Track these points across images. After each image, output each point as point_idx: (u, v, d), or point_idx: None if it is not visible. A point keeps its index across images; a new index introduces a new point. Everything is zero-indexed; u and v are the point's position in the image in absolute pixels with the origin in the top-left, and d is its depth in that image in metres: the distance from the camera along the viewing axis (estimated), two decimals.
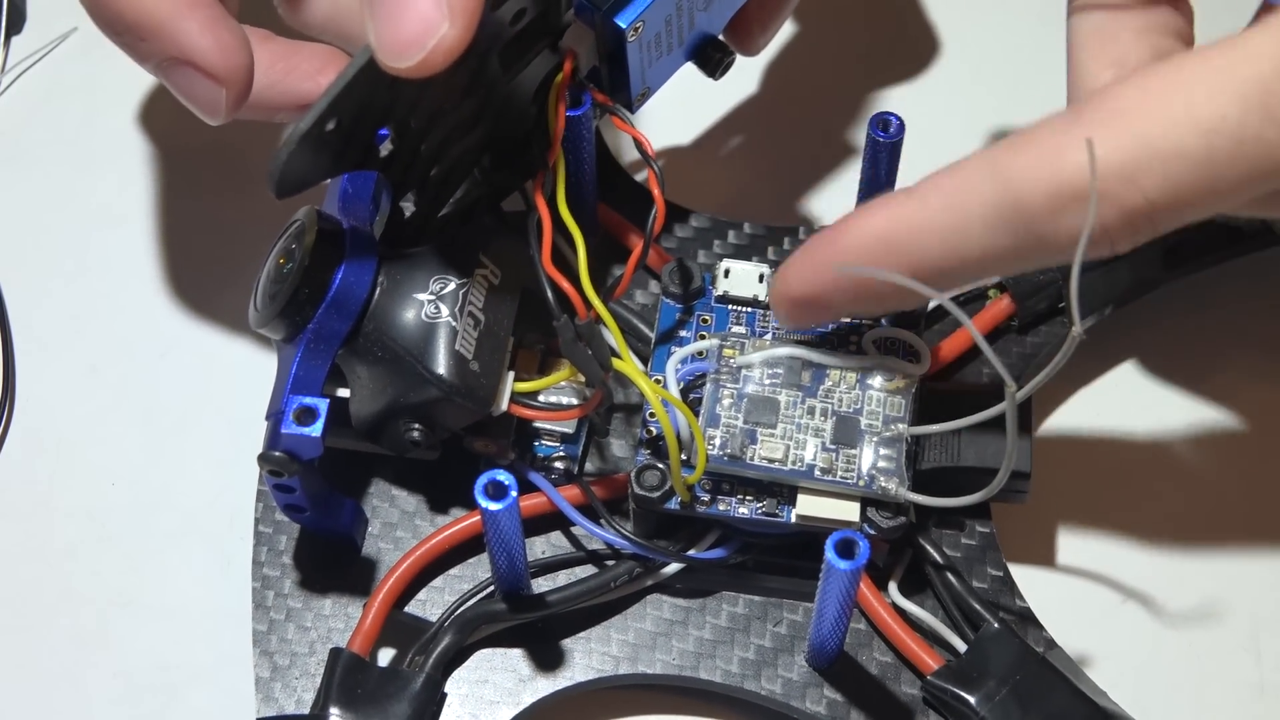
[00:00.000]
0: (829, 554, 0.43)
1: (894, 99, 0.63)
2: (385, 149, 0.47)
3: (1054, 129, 0.41)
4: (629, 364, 0.48)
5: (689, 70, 0.54)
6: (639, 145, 0.50)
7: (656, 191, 0.50)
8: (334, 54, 0.52)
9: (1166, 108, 0.39)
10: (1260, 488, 0.56)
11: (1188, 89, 0.39)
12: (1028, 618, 0.50)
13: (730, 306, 0.53)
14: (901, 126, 0.51)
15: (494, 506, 0.44)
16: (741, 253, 0.56)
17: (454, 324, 0.48)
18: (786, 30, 0.65)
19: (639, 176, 0.58)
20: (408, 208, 0.50)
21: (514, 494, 0.44)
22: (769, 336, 0.52)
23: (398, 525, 0.52)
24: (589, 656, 0.51)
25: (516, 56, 0.48)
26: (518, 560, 0.48)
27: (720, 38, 0.53)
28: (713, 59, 0.53)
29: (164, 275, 0.61)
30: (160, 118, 0.64)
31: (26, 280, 0.60)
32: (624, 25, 0.49)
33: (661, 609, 0.51)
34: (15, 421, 0.58)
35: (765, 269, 0.53)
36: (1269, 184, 0.40)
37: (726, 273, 0.53)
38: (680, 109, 0.62)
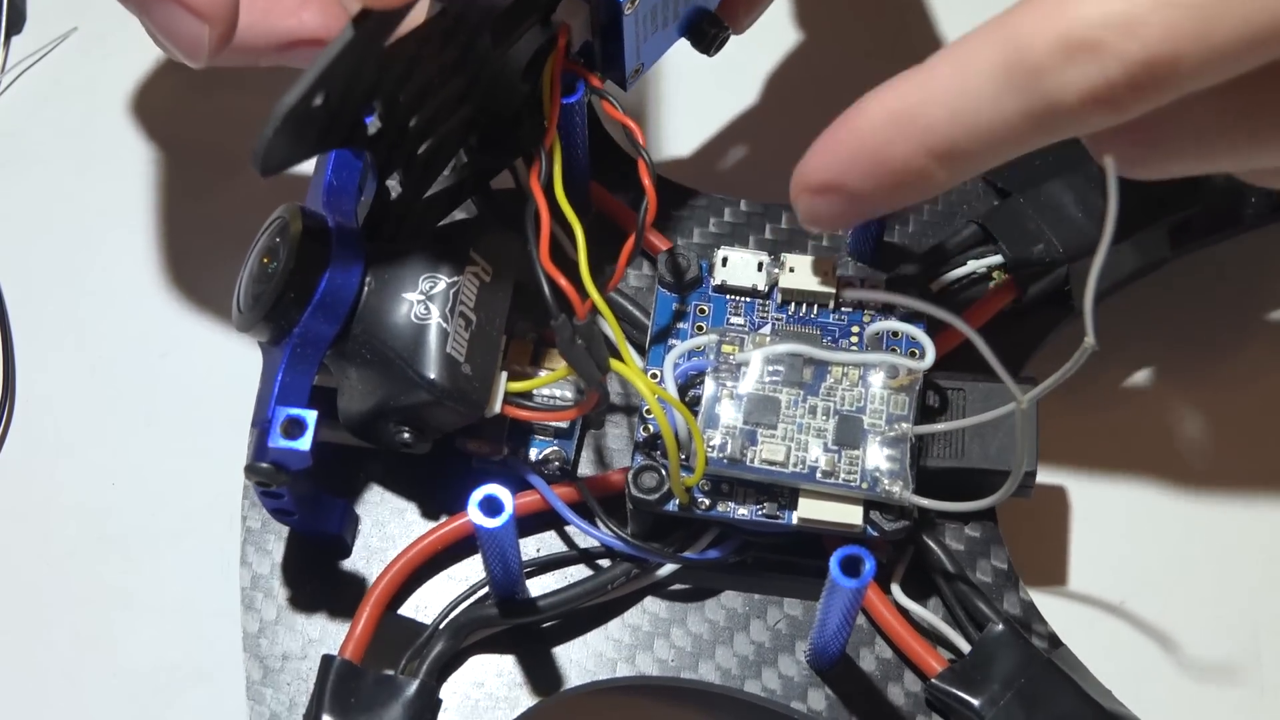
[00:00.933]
0: (834, 572, 0.43)
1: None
2: (373, 126, 0.45)
3: None
4: (629, 366, 0.47)
5: (683, 46, 0.53)
6: (629, 133, 0.49)
7: (647, 182, 0.49)
8: None
9: None
10: (1263, 485, 0.56)
11: None
12: (1031, 613, 0.50)
13: (728, 296, 0.52)
14: None
15: (490, 524, 0.43)
16: (738, 231, 0.55)
17: (445, 325, 0.47)
18: (782, 6, 0.65)
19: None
20: (394, 188, 0.49)
21: (510, 511, 0.43)
22: (768, 330, 0.51)
23: (389, 523, 0.51)
24: (585, 659, 0.50)
25: (507, 31, 0.47)
26: (513, 568, 0.47)
27: (714, 11, 0.52)
28: (707, 35, 0.52)
29: (164, 275, 0.60)
30: (160, 118, 0.63)
31: (26, 280, 0.60)
32: None
33: (658, 608, 0.50)
34: (15, 421, 0.58)
35: (764, 256, 0.51)
36: (1266, 47, 0.39)
37: (724, 261, 0.52)
38: (675, 86, 0.61)
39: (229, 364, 0.58)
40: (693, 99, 0.63)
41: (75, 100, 0.64)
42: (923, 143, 0.42)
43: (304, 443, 0.44)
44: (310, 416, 0.44)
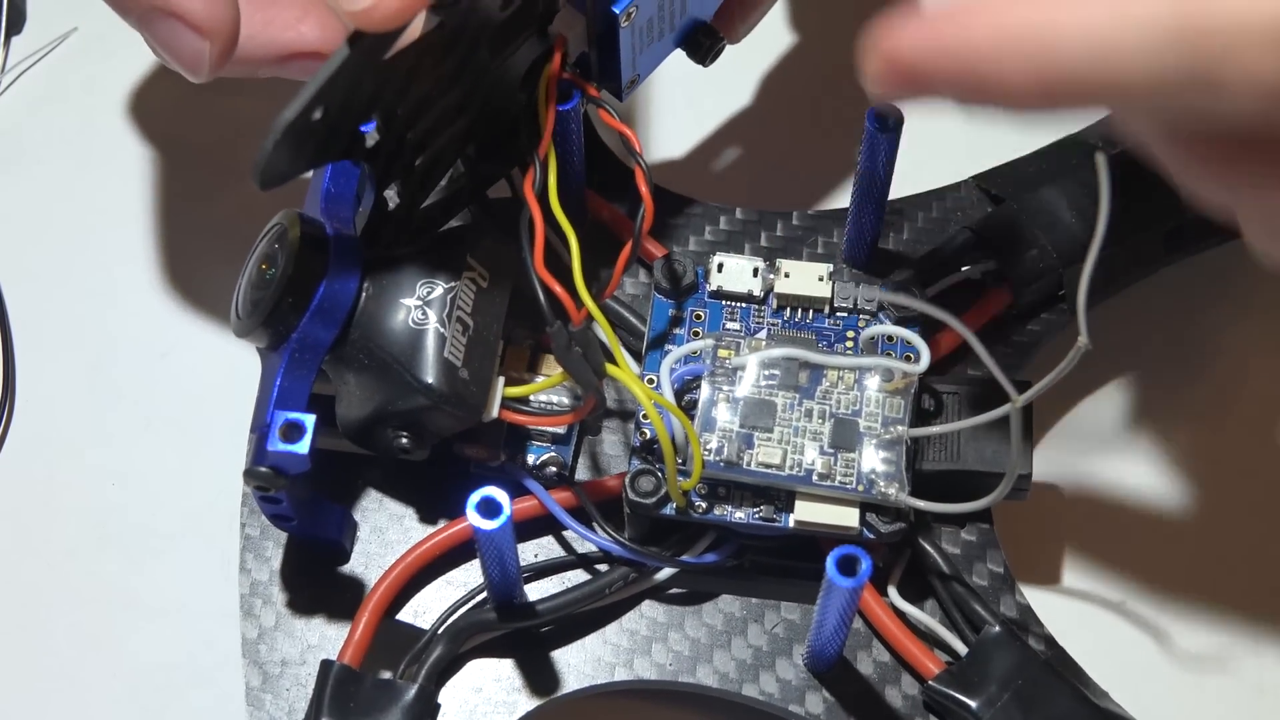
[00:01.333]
0: (830, 571, 0.43)
1: None
2: (371, 139, 0.46)
3: None
4: (624, 370, 0.47)
5: (680, 56, 0.53)
6: (626, 141, 0.49)
7: (644, 190, 0.49)
8: (313, 1, 0.51)
9: None
10: (1259, 486, 0.56)
11: None
12: (1028, 616, 0.50)
13: (724, 302, 0.52)
14: (900, 119, 0.50)
15: (487, 526, 0.44)
16: (733, 238, 0.56)
17: (442, 330, 0.47)
18: (780, 15, 0.65)
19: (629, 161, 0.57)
20: (392, 199, 0.49)
21: (507, 513, 0.44)
22: (764, 335, 0.51)
23: (387, 529, 0.52)
24: (583, 663, 0.50)
25: (504, 42, 0.47)
26: (511, 572, 0.47)
27: (709, 23, 0.52)
28: (703, 45, 0.52)
29: (164, 275, 0.60)
30: (160, 118, 0.64)
31: (26, 280, 0.60)
32: (618, 10, 0.48)
33: (656, 613, 0.51)
34: (15, 421, 0.58)
35: (759, 262, 0.52)
36: None
37: (720, 267, 0.52)
38: (670, 95, 0.61)
39: (229, 364, 0.58)
40: (688, 108, 0.63)
41: (75, 100, 0.64)
42: (1039, 78, 0.37)
43: (302, 446, 0.44)
44: (309, 420, 0.45)
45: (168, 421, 0.58)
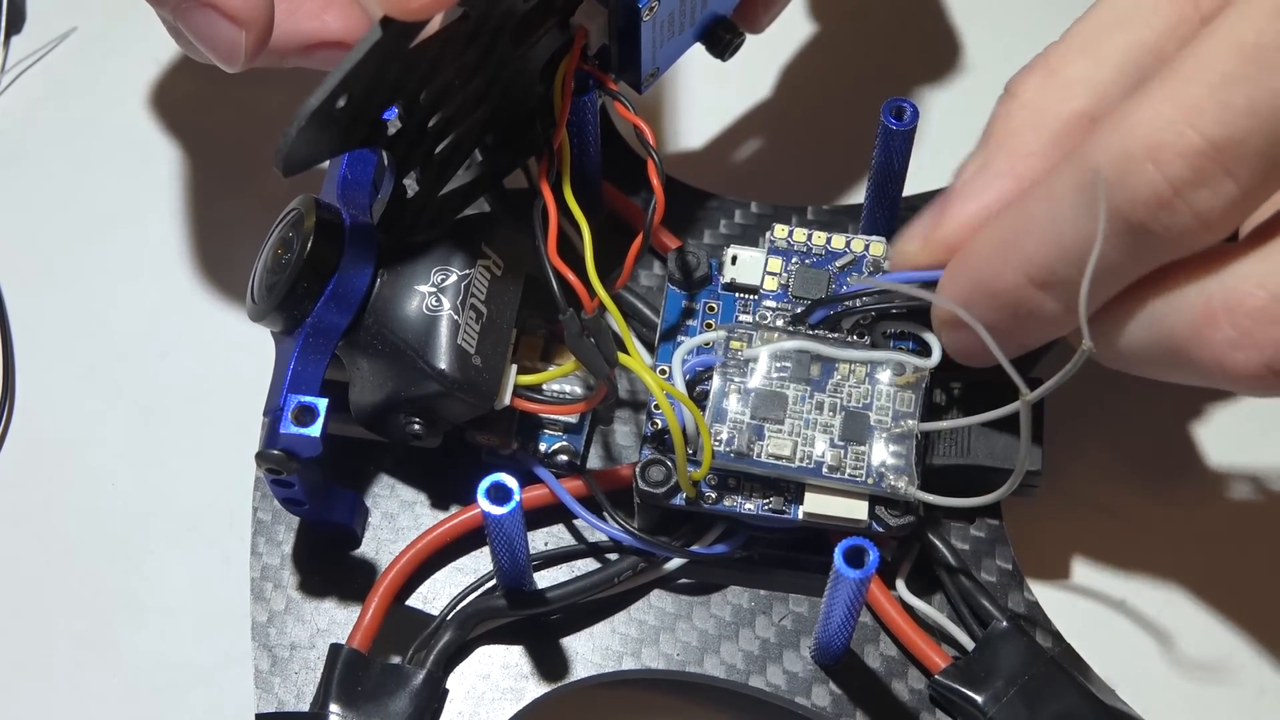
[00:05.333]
0: (838, 562, 0.44)
1: (909, 82, 0.64)
2: (393, 126, 0.47)
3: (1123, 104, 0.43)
4: (635, 360, 0.49)
5: (698, 49, 0.55)
6: (639, 134, 0.51)
7: (656, 182, 0.50)
8: None
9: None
10: (1263, 485, 0.57)
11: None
12: (1036, 612, 0.51)
13: (737, 294, 0.53)
14: (915, 114, 0.51)
15: (497, 511, 0.45)
16: (748, 232, 0.57)
17: (456, 317, 0.48)
18: (796, 9, 0.66)
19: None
20: (410, 186, 0.50)
21: (517, 498, 0.45)
22: (780, 315, 0.52)
23: (398, 515, 0.53)
24: (591, 652, 0.51)
25: (526, 33, 0.49)
26: (520, 558, 0.48)
27: (729, 18, 0.54)
28: (722, 40, 0.54)
29: (164, 275, 0.61)
30: (160, 117, 0.65)
31: (26, 280, 0.61)
32: (641, 4, 0.49)
33: (664, 603, 0.52)
34: (15, 421, 0.59)
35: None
36: None
37: (734, 259, 0.53)
38: (689, 88, 0.62)
39: (229, 364, 0.59)
40: (706, 102, 0.64)
41: (75, 100, 0.65)
42: (1025, 271, 0.45)
43: (315, 429, 0.46)
44: (321, 404, 0.46)
45: (168, 421, 0.59)
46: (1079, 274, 0.42)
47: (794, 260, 0.53)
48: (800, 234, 0.53)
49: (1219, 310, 0.43)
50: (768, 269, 0.53)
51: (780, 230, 0.53)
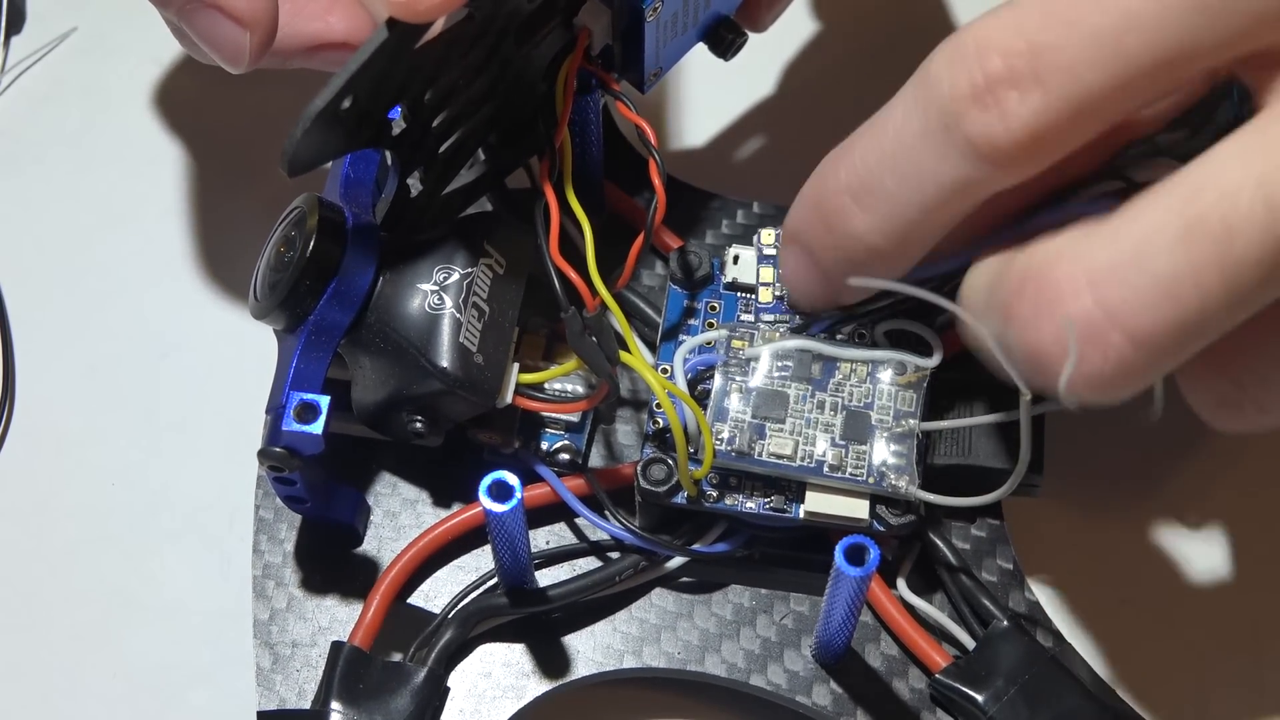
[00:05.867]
0: (839, 560, 0.44)
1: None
2: (397, 126, 0.47)
3: None
4: (637, 358, 0.49)
5: (700, 48, 0.55)
6: (641, 134, 0.51)
7: (657, 182, 0.51)
8: None
9: None
10: (1264, 485, 0.57)
11: None
12: (1036, 612, 0.51)
13: (739, 294, 0.54)
14: None
15: (498, 508, 0.45)
16: (750, 232, 0.57)
17: (458, 315, 0.48)
18: (799, 9, 0.66)
19: None
20: (414, 186, 0.50)
21: (518, 496, 0.45)
22: (778, 326, 0.53)
23: (400, 514, 0.53)
24: (593, 650, 0.52)
25: (530, 33, 0.49)
26: (521, 556, 0.49)
27: (732, 18, 0.54)
28: (725, 39, 0.54)
29: (164, 275, 0.62)
30: (161, 118, 0.65)
31: (26, 280, 0.62)
32: (644, 4, 0.50)
33: (666, 601, 0.52)
34: (15, 421, 0.59)
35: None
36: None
37: (735, 259, 0.54)
38: (692, 88, 0.62)
39: (229, 364, 0.59)
40: (707, 101, 0.64)
41: (75, 100, 0.65)
42: (846, 175, 0.45)
43: (317, 427, 0.46)
44: (323, 401, 0.46)
45: (167, 421, 0.59)
46: (894, 183, 0.44)
47: None
48: None
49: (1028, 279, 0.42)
50: (760, 279, 0.54)
51: (767, 236, 0.54)
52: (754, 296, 0.54)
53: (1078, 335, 0.40)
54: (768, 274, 0.54)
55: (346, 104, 0.44)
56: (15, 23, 0.67)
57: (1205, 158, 0.40)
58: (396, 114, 0.47)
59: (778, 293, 0.53)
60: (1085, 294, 0.40)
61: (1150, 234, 0.40)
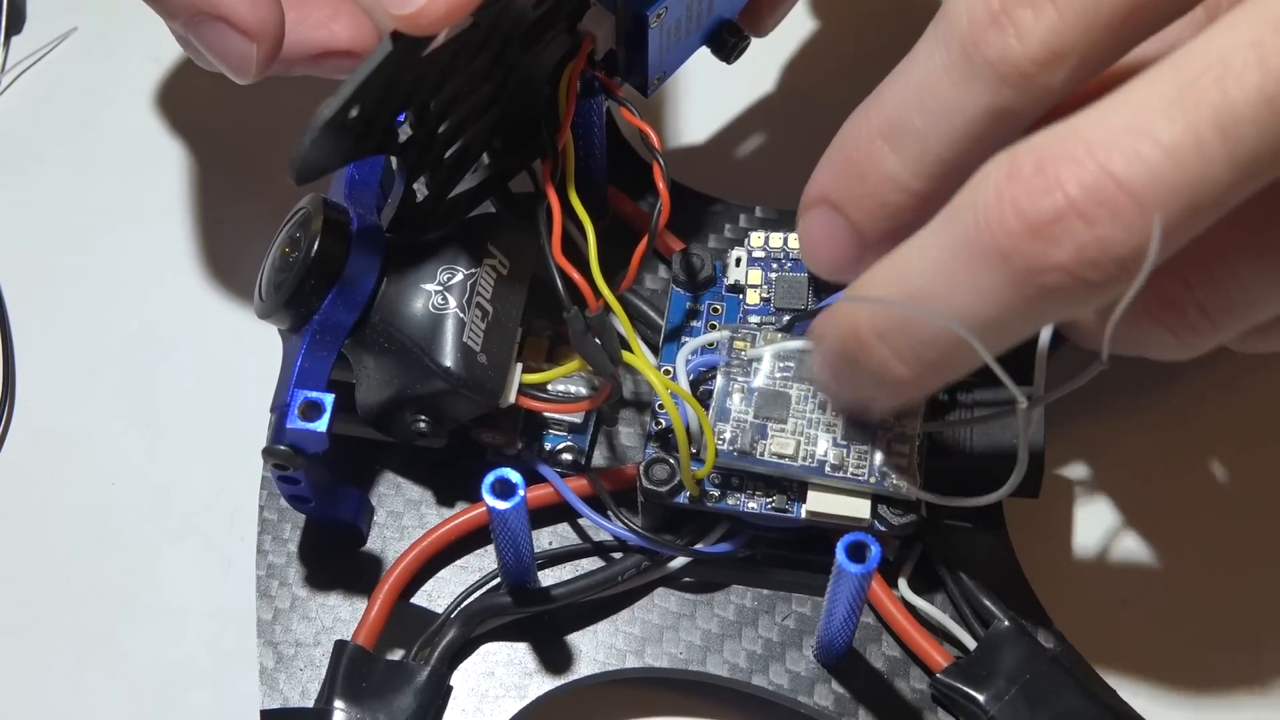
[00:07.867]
0: (840, 557, 0.45)
1: None
2: (403, 133, 0.48)
3: None
4: (639, 358, 0.50)
5: (703, 53, 0.55)
6: (645, 138, 0.52)
7: (661, 185, 0.51)
8: (344, 0, 0.53)
9: None
10: (1263, 485, 0.58)
11: None
12: (1037, 612, 0.52)
13: (741, 296, 0.54)
14: None
15: (501, 505, 0.46)
16: None
17: (461, 315, 0.49)
18: (801, 13, 0.67)
19: None
20: (420, 190, 0.51)
21: (521, 493, 0.46)
22: (780, 328, 0.53)
23: (404, 514, 0.54)
24: (595, 650, 0.52)
25: (535, 38, 0.49)
26: (524, 555, 0.49)
27: (734, 21, 0.55)
28: (727, 43, 0.55)
29: (164, 275, 0.62)
30: (161, 118, 0.66)
31: (26, 280, 0.62)
32: (648, 13, 0.51)
33: (668, 602, 0.53)
34: (15, 421, 0.60)
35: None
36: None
37: (738, 261, 0.54)
38: (695, 92, 0.63)
39: (229, 364, 0.60)
40: (710, 105, 0.65)
41: (75, 100, 0.66)
42: (876, 120, 0.45)
43: (321, 424, 0.47)
44: (328, 399, 0.47)
45: (168, 421, 0.60)
46: (923, 121, 0.43)
47: (773, 268, 0.54)
48: (776, 239, 0.54)
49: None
50: (748, 281, 0.54)
51: (757, 239, 0.55)
52: (741, 296, 0.54)
53: (1086, 200, 0.39)
54: (756, 276, 0.54)
55: (354, 113, 0.45)
56: (15, 23, 0.68)
57: (1195, 38, 0.40)
58: (403, 120, 0.48)
59: (765, 295, 0.54)
60: (1088, 161, 0.39)
61: (1145, 104, 0.39)
